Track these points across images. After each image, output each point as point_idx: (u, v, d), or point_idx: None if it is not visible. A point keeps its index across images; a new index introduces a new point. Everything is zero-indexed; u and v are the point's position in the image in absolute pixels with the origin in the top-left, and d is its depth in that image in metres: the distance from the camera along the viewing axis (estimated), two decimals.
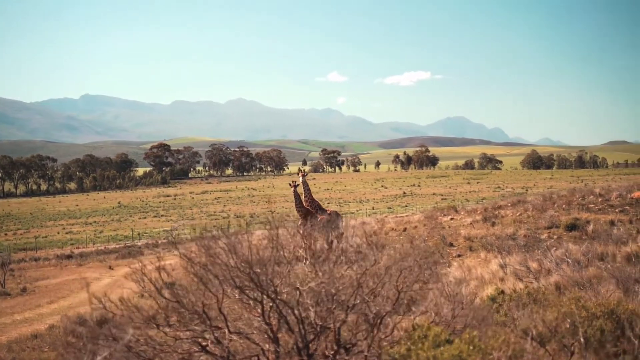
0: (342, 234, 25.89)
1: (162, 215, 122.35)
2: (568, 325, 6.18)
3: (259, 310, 5.39)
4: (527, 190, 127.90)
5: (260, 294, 5.56)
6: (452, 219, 37.25)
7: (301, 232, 22.32)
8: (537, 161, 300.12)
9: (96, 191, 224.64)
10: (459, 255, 21.62)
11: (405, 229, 34.53)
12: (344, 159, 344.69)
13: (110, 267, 32.92)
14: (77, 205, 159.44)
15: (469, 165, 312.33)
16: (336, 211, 25.10)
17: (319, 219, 23.97)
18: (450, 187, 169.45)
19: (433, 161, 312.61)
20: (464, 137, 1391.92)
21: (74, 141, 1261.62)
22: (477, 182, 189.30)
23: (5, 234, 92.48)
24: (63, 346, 5.65)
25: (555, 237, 22.10)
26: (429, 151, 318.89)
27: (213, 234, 6.53)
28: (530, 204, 32.64)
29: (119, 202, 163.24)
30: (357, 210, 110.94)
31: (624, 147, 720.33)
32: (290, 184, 24.77)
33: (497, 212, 31.99)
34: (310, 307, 5.22)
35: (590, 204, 28.45)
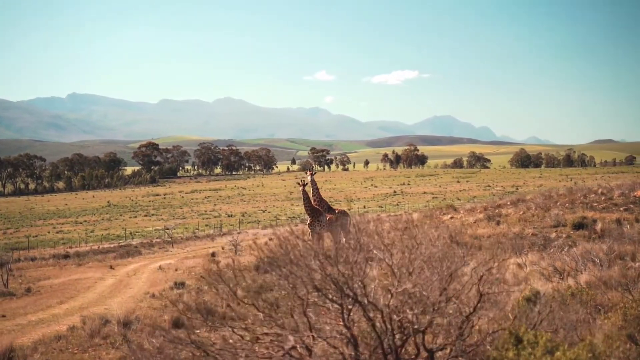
0: (349, 232, 25.89)
1: (152, 215, 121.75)
2: None
3: (339, 313, 5.25)
4: (517, 188, 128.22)
5: (340, 296, 5.42)
6: (452, 217, 37.26)
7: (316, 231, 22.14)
8: (525, 160, 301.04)
9: (85, 190, 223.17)
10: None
11: (406, 228, 34.45)
12: (333, 157, 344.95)
13: (111, 267, 32.65)
14: (66, 205, 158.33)
15: (457, 164, 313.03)
16: (344, 210, 25.03)
17: (327, 218, 23.90)
18: (440, 186, 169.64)
19: (422, 160, 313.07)
20: (451, 136, 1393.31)
21: (62, 140, 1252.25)
22: (467, 181, 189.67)
23: None
24: (133, 350, 5.46)
25: (563, 236, 22.07)
26: (417, 150, 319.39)
27: (291, 233, 6.36)
28: (532, 202, 32.65)
29: (108, 202, 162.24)
30: (348, 210, 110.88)
31: (611, 145, 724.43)
32: (298, 183, 24.68)
33: (498, 210, 31.98)
34: (408, 310, 5.07)
35: (593, 202, 28.49)
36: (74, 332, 12.43)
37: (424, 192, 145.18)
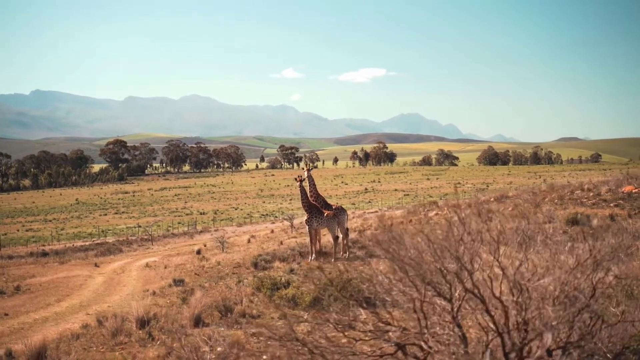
0: (348, 229, 25.72)
1: (123, 212, 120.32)
2: None
3: (448, 309, 4.98)
4: (487, 186, 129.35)
5: (449, 291, 5.16)
6: (437, 214, 37.30)
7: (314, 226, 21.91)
8: (493, 157, 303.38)
9: (52, 188, 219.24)
10: None
11: (391, 225, 34.36)
12: (302, 155, 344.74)
13: (96, 265, 31.97)
14: (33, 202, 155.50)
15: (426, 161, 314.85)
16: (341, 206, 24.80)
17: (324, 215, 23.69)
18: (410, 183, 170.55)
19: (391, 157, 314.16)
20: (418, 134, 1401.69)
21: (26, 137, 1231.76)
22: (437, 178, 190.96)
23: None
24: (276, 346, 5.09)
25: (560, 232, 22.09)
26: (386, 147, 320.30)
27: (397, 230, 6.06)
28: (519, 198, 32.77)
29: (76, 199, 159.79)
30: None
31: (576, 143, 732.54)
32: (296, 179, 24.44)
33: (487, 207, 32.01)
34: (548, 306, 4.83)
35: (582, 198, 28.63)
36: (89, 331, 12.00)
37: (395, 190, 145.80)
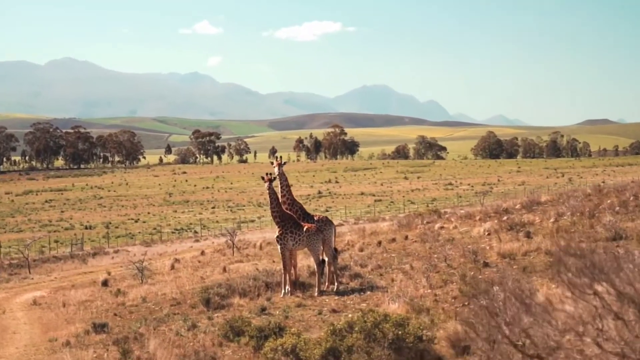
0: (337, 251, 25.48)
1: None
2: None
3: None
4: (491, 187, 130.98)
5: None
6: (442, 227, 37.41)
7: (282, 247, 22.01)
8: (495, 147, 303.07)
9: None
10: None
11: (379, 243, 34.32)
12: (225, 144, 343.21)
13: None
14: None
15: (401, 153, 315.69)
16: (326, 217, 24.71)
17: (304, 229, 23.41)
18: (382, 184, 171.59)
19: (351, 148, 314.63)
20: (388, 114, 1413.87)
21: None
22: (418, 177, 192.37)
23: None
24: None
25: (637, 252, 22.24)
26: (344, 133, 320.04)
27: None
28: (561, 205, 33.04)
29: None
30: (259, 218, 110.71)
31: (607, 128, 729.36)
32: (263, 178, 24.15)
33: (518, 217, 32.17)
34: None
35: None
36: None
37: (362, 193, 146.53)
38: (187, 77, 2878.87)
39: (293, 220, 23.65)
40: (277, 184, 24.74)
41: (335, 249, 24.69)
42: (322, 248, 23.76)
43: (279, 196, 24.19)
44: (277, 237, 23.60)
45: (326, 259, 23.91)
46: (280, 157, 27.20)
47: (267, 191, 23.83)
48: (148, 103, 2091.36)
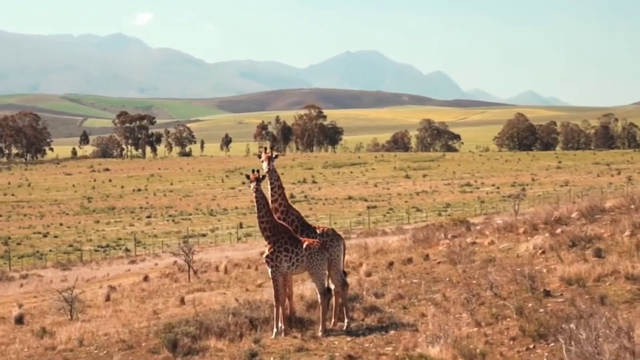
0: (346, 274, 25.19)
1: None
2: None
3: None
4: (523, 189, 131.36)
5: None
6: (473, 242, 37.30)
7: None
8: (526, 135, 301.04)
9: None
10: None
11: (391, 264, 34.24)
12: (161, 131, 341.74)
13: None
14: None
15: (400, 143, 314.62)
16: (332, 230, 24.45)
17: (303, 247, 23.18)
18: (376, 185, 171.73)
19: (333, 136, 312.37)
20: (380, 91, 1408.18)
21: None
22: (424, 176, 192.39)
23: None
24: None
25: None
26: (324, 116, 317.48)
27: None
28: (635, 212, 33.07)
29: None
30: (212, 231, 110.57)
31: None
32: (248, 177, 23.73)
33: (578, 229, 32.15)
34: None
35: None
36: None
37: (349, 197, 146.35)
38: (108, 40, 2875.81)
39: (288, 233, 23.28)
40: (267, 186, 24.48)
41: (344, 273, 24.47)
42: (327, 272, 23.54)
43: (270, 201, 23.91)
44: (267, 256, 23.11)
45: (332, 287, 23.67)
46: (271, 148, 26.92)
47: (254, 194, 23.39)
48: (55, 75, 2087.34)
